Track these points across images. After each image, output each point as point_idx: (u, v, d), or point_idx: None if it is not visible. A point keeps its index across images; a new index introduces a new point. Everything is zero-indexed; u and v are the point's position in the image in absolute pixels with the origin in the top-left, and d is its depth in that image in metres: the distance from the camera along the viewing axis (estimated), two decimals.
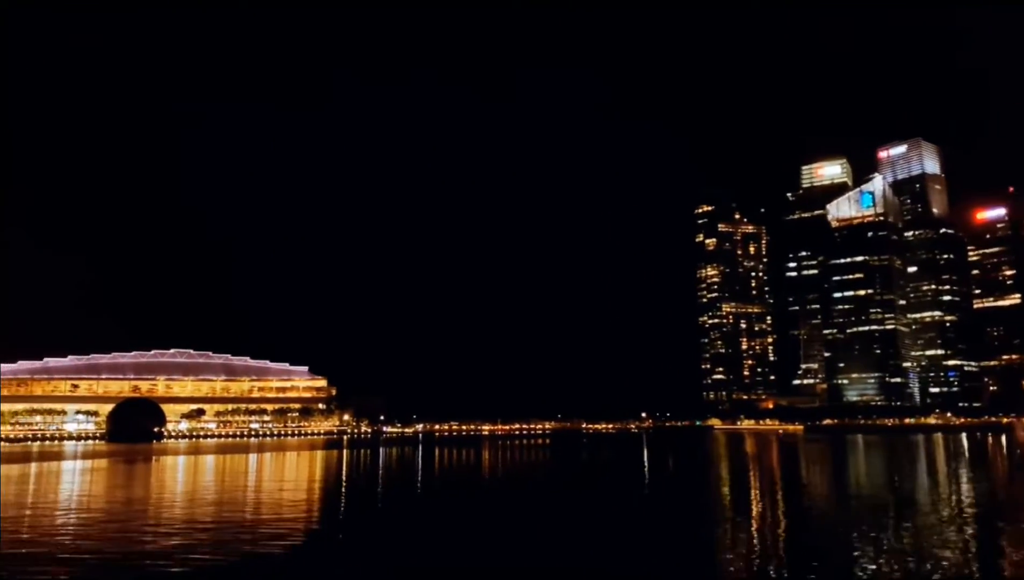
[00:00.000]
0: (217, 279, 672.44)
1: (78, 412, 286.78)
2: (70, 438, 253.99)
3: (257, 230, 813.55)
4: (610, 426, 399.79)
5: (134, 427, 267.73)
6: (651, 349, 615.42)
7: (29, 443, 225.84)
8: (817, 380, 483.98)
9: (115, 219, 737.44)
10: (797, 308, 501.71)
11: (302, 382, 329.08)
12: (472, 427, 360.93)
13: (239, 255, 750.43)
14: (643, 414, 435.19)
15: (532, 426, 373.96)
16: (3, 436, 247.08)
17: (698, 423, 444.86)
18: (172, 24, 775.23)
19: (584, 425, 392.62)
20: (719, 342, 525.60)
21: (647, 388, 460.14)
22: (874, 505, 54.51)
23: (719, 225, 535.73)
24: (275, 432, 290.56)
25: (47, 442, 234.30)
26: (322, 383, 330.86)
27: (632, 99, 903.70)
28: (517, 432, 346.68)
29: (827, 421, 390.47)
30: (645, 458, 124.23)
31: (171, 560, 34.38)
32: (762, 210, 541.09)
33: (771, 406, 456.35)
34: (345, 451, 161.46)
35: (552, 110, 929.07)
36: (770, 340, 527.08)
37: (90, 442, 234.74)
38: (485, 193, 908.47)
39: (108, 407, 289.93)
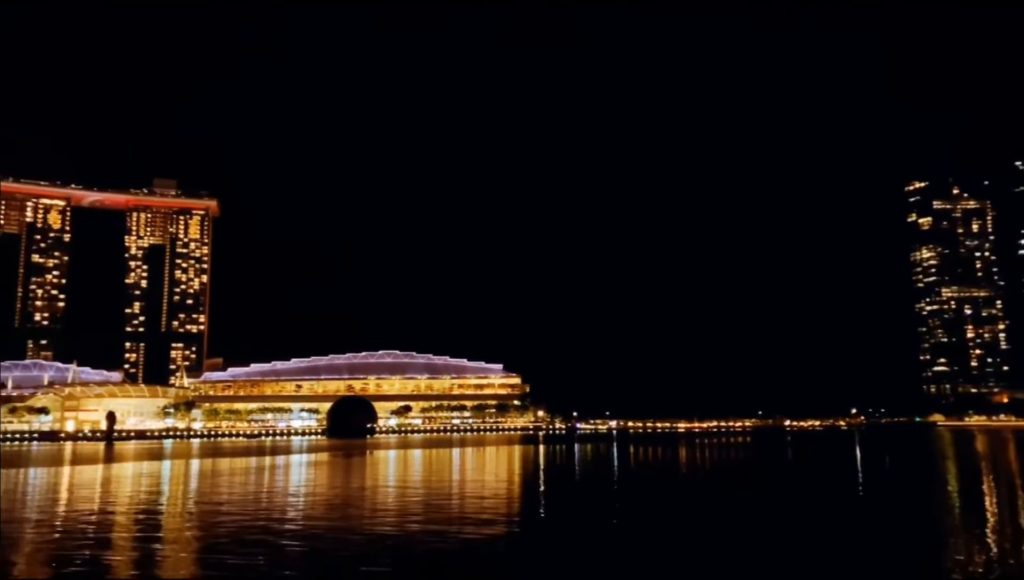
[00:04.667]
0: (417, 282, 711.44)
1: (302, 410, 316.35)
2: (296, 434, 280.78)
3: (457, 233, 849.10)
4: (816, 423, 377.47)
5: (350, 423, 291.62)
6: (861, 340, 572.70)
7: (263, 438, 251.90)
8: None
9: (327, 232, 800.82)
10: None
11: (497, 379, 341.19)
12: (667, 424, 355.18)
13: (440, 260, 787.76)
14: (853, 410, 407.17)
15: (731, 424, 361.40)
16: (241, 432, 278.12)
17: (918, 419, 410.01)
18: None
19: (787, 422, 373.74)
20: (940, 330, 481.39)
21: (858, 382, 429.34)
22: None
23: (934, 202, 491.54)
24: (474, 427, 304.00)
25: (278, 437, 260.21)
26: (516, 380, 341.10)
27: (827, 69, 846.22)
28: (715, 430, 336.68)
29: None
30: (858, 458, 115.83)
31: (431, 537, 37.44)
32: (985, 183, 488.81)
33: (1006, 400, 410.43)
34: (541, 446, 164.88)
35: (745, 85, 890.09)
36: (1001, 326, 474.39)
37: (313, 437, 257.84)
38: (679, 181, 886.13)
39: (327, 405, 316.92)
